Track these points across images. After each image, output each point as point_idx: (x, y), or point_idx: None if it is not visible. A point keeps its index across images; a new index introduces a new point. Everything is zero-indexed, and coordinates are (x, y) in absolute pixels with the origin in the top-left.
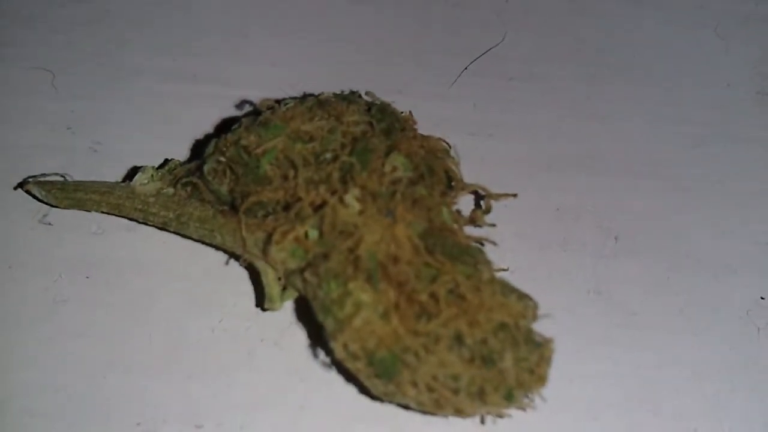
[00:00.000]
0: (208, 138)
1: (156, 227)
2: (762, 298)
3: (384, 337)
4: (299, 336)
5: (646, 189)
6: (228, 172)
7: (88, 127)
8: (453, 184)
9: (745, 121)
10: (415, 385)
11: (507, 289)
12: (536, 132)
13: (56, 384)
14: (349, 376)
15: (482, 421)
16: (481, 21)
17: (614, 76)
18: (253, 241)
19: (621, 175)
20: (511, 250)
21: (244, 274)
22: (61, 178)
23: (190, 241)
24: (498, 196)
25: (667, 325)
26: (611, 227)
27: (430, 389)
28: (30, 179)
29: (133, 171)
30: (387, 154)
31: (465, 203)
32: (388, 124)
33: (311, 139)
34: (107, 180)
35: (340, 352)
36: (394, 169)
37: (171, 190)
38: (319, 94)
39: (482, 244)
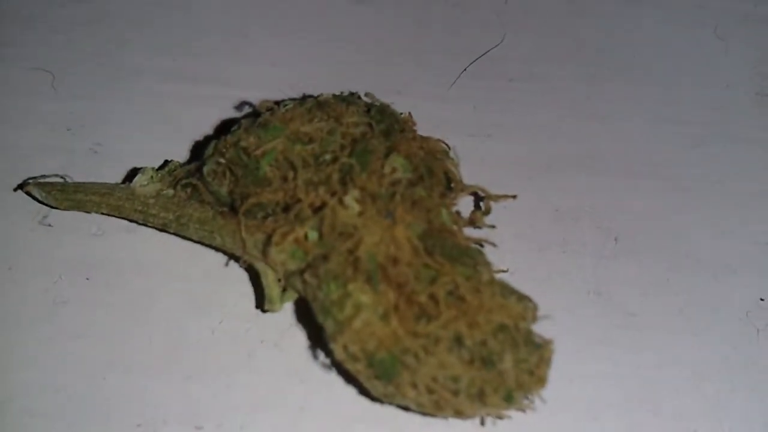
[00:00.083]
0: (207, 139)
1: (156, 228)
2: (762, 300)
3: (384, 339)
4: (299, 337)
5: (646, 189)
6: (227, 173)
7: (88, 128)
8: (452, 185)
9: (745, 122)
10: (414, 386)
11: (506, 290)
12: (536, 133)
13: (56, 384)
14: (349, 378)
15: (482, 423)
16: (480, 22)
17: (614, 77)
18: (253, 242)
19: (621, 175)
20: (511, 251)
21: (243, 276)
22: (61, 180)
23: (189, 243)
24: (497, 197)
25: (666, 325)
26: (611, 228)
27: (430, 391)
28: (30, 180)
29: (133, 172)
30: (386, 155)
31: (464, 204)
32: (387, 125)
33: (311, 140)
34: (107, 181)
35: (339, 354)
36: (394, 170)
37: (171, 192)
38: (319, 96)
39: (482, 246)
